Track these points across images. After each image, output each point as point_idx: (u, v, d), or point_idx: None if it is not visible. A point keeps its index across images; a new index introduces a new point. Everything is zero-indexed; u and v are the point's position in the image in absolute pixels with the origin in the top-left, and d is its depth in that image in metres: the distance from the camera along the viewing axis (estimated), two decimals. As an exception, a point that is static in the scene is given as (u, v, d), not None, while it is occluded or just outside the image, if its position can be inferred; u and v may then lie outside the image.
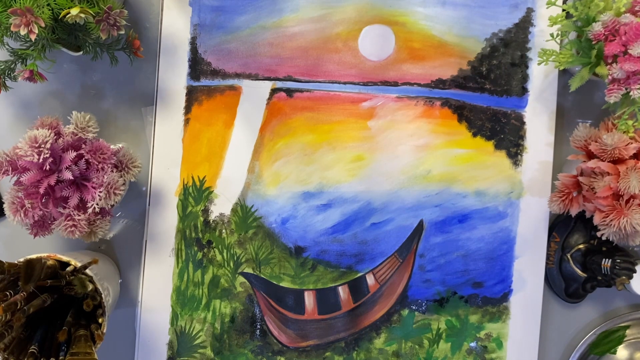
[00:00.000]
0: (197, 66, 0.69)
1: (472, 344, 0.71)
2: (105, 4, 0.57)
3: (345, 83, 0.70)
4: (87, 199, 0.58)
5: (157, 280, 0.70)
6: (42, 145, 0.55)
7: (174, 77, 0.69)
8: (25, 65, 0.60)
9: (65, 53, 0.63)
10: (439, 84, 0.70)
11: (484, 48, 0.70)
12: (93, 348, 0.56)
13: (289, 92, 0.70)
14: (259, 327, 0.70)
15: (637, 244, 0.62)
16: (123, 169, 0.62)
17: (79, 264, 0.59)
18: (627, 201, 0.59)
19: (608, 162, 0.61)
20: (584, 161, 0.62)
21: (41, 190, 0.57)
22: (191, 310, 0.70)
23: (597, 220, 0.61)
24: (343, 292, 0.70)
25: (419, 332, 0.71)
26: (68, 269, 0.59)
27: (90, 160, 0.58)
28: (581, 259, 0.70)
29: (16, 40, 0.59)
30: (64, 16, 0.54)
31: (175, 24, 0.69)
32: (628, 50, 0.56)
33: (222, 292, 0.70)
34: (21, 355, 0.55)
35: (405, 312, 0.70)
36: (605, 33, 0.58)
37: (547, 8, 0.66)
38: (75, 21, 0.55)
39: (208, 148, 0.69)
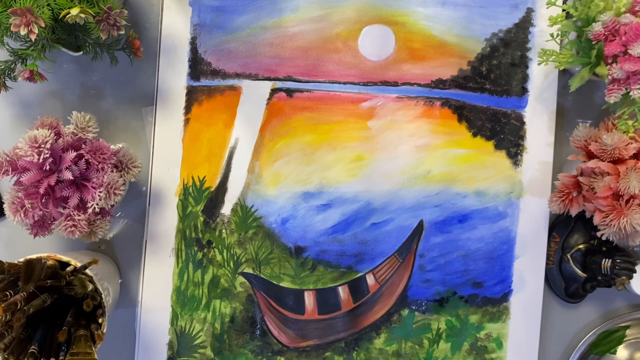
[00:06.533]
0: (197, 66, 0.69)
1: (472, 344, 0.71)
2: (105, 4, 0.57)
3: (345, 83, 0.70)
4: (87, 199, 0.58)
5: (157, 280, 0.70)
6: (42, 145, 0.55)
7: (174, 77, 0.69)
8: (25, 65, 0.60)
9: (65, 53, 0.63)
10: (439, 84, 0.70)
11: (484, 48, 0.70)
12: (93, 348, 0.56)
13: (289, 92, 0.70)
14: (259, 327, 0.70)
15: (637, 244, 0.62)
16: (123, 169, 0.62)
17: (79, 264, 0.59)
18: (627, 201, 0.59)
19: (608, 162, 0.61)
20: (584, 161, 0.62)
21: (41, 190, 0.57)
22: (191, 310, 0.70)
23: (597, 220, 0.61)
24: (343, 292, 0.70)
25: (419, 332, 0.71)
26: (68, 269, 0.59)
27: (90, 160, 0.58)
28: (581, 259, 0.70)
29: (16, 40, 0.59)
30: (64, 16, 0.54)
31: (175, 24, 0.69)
32: (628, 50, 0.56)
33: (222, 292, 0.70)
34: (21, 355, 0.55)
35: (405, 312, 0.70)
36: (605, 33, 0.58)
37: (547, 8, 0.66)
38: (75, 21, 0.55)
39: (208, 148, 0.70)
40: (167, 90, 0.69)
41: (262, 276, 0.70)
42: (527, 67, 0.70)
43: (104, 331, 0.59)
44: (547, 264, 0.71)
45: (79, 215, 0.58)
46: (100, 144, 0.59)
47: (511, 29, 0.70)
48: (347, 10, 0.69)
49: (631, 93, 0.57)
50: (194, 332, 0.70)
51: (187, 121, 0.70)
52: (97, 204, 0.58)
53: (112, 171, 0.59)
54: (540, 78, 0.70)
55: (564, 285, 0.71)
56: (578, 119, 0.71)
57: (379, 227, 0.70)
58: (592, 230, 0.71)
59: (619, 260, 0.66)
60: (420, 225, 0.70)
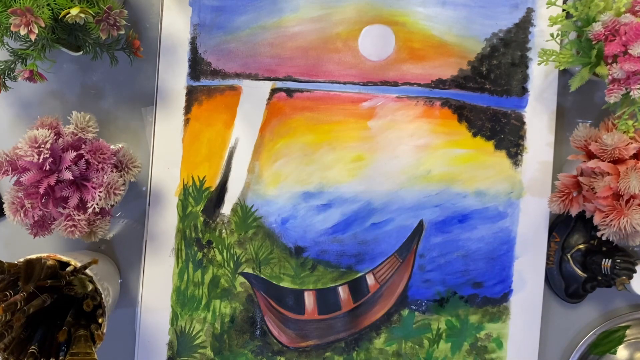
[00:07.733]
0: (197, 66, 0.69)
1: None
2: (105, 4, 0.57)
3: (345, 83, 0.70)
4: (87, 199, 0.58)
5: (157, 280, 0.70)
6: (42, 145, 0.55)
7: (174, 77, 0.69)
8: (25, 65, 0.60)
9: (65, 53, 0.63)
10: (439, 84, 0.70)
11: (484, 48, 0.70)
12: (93, 348, 0.56)
13: (289, 92, 0.70)
14: (259, 327, 0.70)
15: (637, 244, 0.62)
16: (123, 169, 0.62)
17: (79, 264, 0.59)
18: (627, 201, 0.59)
19: (608, 162, 0.61)
20: (584, 161, 0.62)
21: (41, 190, 0.57)
22: (191, 310, 0.70)
23: (597, 220, 0.61)
24: (343, 292, 0.70)
25: (419, 332, 0.71)
26: (68, 269, 0.59)
27: (90, 160, 0.58)
28: (581, 259, 0.70)
29: (16, 40, 0.59)
30: (64, 16, 0.54)
31: (175, 24, 0.69)
32: (628, 50, 0.56)
33: (222, 292, 0.70)
34: (21, 355, 0.55)
35: (405, 312, 0.70)
36: (605, 33, 0.58)
37: (547, 8, 0.66)
38: (75, 21, 0.55)
39: (208, 148, 0.70)
40: (167, 90, 0.69)
41: (262, 276, 0.70)
42: (527, 67, 0.70)
43: (104, 331, 0.59)
44: (547, 264, 0.71)
45: (79, 215, 0.58)
46: (100, 144, 0.59)
47: (511, 29, 0.70)
48: (347, 10, 0.69)
49: (631, 93, 0.57)
50: (194, 332, 0.70)
51: (187, 121, 0.70)
52: (97, 204, 0.58)
53: (112, 171, 0.59)
54: (540, 78, 0.70)
55: (564, 285, 0.71)
56: (578, 119, 0.71)
57: (379, 227, 0.70)
58: (592, 230, 0.71)
59: (619, 260, 0.66)
60: (420, 225, 0.70)
